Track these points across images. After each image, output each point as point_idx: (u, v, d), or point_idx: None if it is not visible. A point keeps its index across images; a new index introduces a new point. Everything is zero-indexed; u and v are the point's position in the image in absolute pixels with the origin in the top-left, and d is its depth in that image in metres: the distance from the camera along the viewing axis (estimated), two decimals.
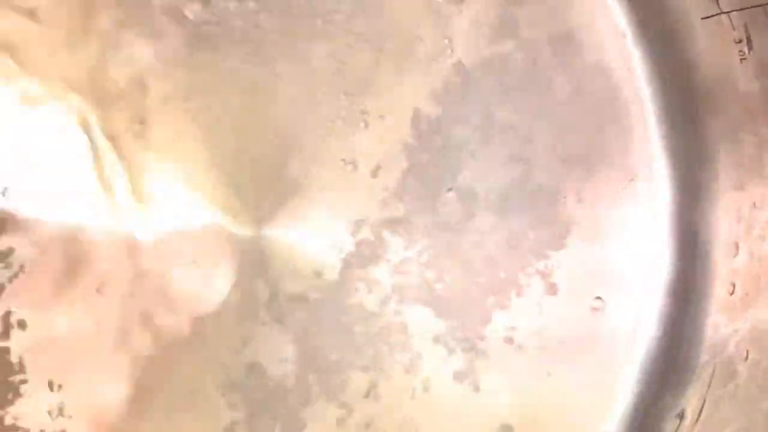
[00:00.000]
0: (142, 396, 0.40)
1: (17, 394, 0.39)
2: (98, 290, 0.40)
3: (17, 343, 0.40)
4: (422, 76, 0.43)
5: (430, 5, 0.43)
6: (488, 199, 0.43)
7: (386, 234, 0.42)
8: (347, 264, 0.42)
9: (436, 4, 0.43)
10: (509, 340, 0.43)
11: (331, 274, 0.42)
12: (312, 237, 0.42)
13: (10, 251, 0.40)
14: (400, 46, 0.43)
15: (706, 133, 0.44)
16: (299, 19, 0.42)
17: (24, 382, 0.40)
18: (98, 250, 0.40)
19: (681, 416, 0.42)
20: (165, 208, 0.41)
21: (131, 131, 0.41)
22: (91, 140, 0.40)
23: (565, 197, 0.44)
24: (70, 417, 0.40)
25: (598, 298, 0.44)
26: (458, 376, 0.42)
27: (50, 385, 0.40)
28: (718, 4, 0.41)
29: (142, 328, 0.40)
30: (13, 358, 0.39)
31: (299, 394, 0.41)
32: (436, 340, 0.42)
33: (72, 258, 0.40)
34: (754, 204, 0.42)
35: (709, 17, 0.41)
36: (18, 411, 0.40)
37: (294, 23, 0.42)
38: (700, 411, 0.41)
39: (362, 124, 0.42)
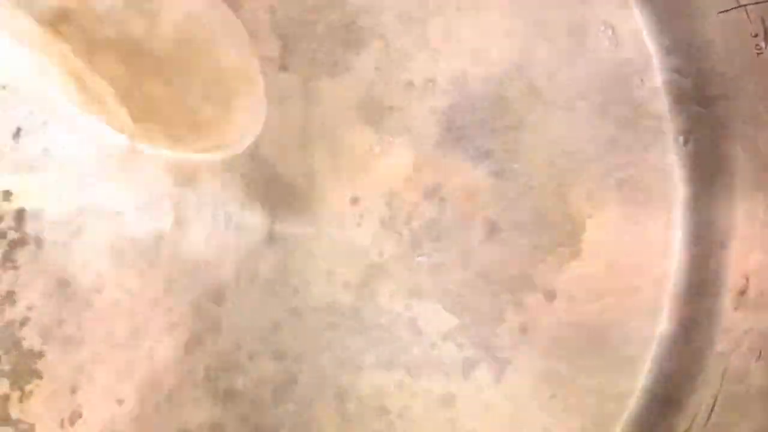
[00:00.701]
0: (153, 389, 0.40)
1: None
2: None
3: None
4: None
5: None
6: (499, 197, 0.43)
7: (397, 230, 0.42)
8: (356, 261, 0.42)
9: None
10: (521, 339, 0.42)
11: (341, 269, 0.42)
12: (322, 231, 0.42)
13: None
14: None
15: (722, 130, 0.43)
16: None
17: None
18: None
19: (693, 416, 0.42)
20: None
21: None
22: None
23: (578, 195, 0.43)
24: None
25: (612, 295, 0.43)
26: (469, 371, 0.42)
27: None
28: None
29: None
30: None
31: (310, 389, 0.41)
32: (447, 336, 0.42)
33: None
34: None
35: (726, 11, 0.41)
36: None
37: None
38: (712, 410, 0.41)
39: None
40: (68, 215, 0.40)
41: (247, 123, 0.41)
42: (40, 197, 0.40)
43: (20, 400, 0.39)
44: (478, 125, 0.43)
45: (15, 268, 0.39)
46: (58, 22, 0.39)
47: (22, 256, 0.39)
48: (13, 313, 0.39)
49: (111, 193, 0.40)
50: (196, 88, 0.41)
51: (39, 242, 0.39)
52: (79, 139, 0.40)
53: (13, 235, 0.39)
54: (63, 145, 0.40)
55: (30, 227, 0.39)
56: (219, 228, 0.41)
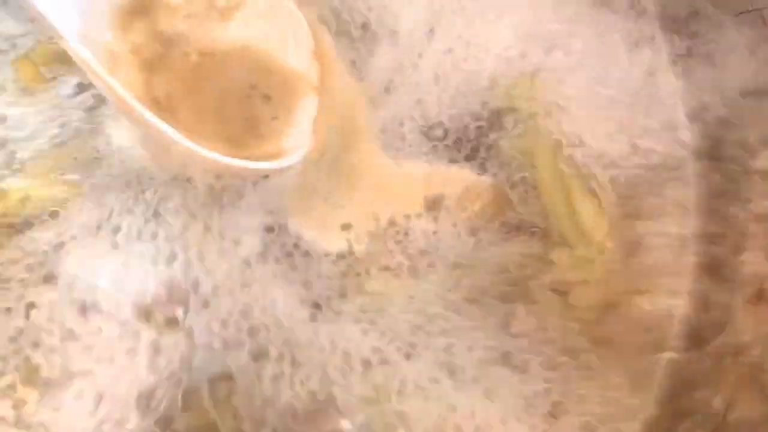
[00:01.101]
0: None
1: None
2: None
3: None
4: None
5: None
6: (504, 201, 0.43)
7: (400, 233, 0.42)
8: (359, 260, 0.42)
9: None
10: (532, 342, 0.42)
11: (343, 269, 0.42)
12: (326, 233, 0.42)
13: None
14: None
15: (741, 138, 0.43)
16: None
17: None
18: None
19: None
20: None
21: None
22: None
23: (589, 198, 0.43)
24: None
25: (624, 298, 0.43)
26: (480, 375, 0.41)
27: None
28: None
29: None
30: None
31: (314, 388, 0.41)
32: (456, 341, 0.42)
33: None
34: None
35: (743, 13, 0.41)
36: None
37: None
38: (725, 415, 0.41)
39: None
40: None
41: (305, 132, 0.40)
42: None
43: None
44: (483, 127, 0.43)
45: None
46: (133, 15, 0.39)
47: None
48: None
49: None
50: (259, 90, 0.40)
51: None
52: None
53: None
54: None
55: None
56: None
